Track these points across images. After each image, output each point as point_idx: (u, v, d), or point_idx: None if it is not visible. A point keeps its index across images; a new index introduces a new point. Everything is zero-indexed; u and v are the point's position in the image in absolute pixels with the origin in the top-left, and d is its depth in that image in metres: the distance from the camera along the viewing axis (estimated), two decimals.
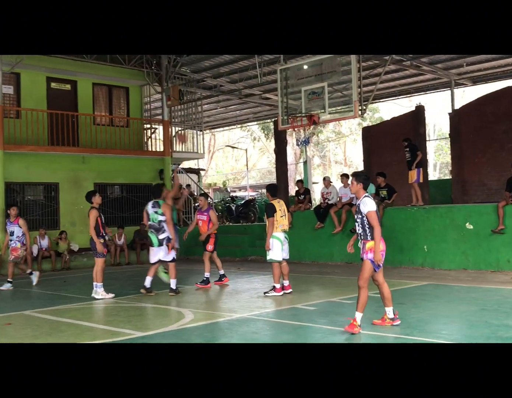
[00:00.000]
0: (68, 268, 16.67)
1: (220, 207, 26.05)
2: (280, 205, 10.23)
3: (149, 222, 10.48)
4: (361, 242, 6.84)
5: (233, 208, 25.25)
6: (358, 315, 6.51)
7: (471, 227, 12.61)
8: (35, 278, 12.60)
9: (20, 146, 17.07)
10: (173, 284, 10.47)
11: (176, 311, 8.81)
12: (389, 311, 6.88)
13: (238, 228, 21.26)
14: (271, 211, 10.00)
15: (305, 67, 14.64)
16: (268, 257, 10.13)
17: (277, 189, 11.09)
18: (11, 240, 12.20)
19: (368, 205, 6.64)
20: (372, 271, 6.68)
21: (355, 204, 14.56)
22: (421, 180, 14.26)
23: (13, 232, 12.12)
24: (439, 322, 7.54)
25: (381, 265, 6.76)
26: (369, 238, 6.65)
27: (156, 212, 10.34)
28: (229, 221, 24.59)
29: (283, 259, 10.14)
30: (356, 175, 7.01)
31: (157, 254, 10.48)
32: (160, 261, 10.60)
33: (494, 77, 21.55)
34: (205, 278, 11.33)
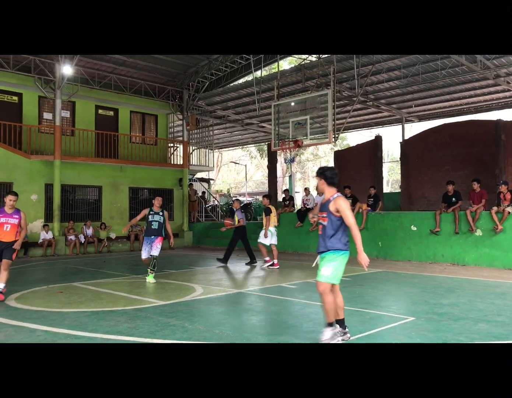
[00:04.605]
0: (109, 251, 16.61)
1: (224, 209, 26.00)
2: (273, 208, 11.67)
3: None
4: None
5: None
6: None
7: (415, 228, 12.63)
8: None
9: (73, 157, 16.97)
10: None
11: (190, 286, 8.78)
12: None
13: None
14: (269, 211, 11.39)
15: (293, 103, 14.65)
16: (259, 240, 11.43)
17: (271, 197, 12.45)
18: None
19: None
20: None
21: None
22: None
23: None
24: (389, 300, 7.55)
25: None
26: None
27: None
28: None
29: (272, 244, 11.36)
30: None
31: None
32: None
33: (435, 116, 21.66)
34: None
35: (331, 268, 4.67)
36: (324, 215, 4.70)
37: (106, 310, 6.58)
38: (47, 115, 17.43)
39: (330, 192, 4.74)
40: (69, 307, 6.77)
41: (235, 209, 12.59)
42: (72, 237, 15.93)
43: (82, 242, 16.12)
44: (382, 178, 18.39)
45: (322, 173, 4.79)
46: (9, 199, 7.29)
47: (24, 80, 16.34)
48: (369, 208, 13.82)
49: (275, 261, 11.30)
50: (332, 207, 4.61)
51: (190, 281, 9.32)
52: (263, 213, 11.67)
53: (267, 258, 11.37)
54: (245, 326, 5.67)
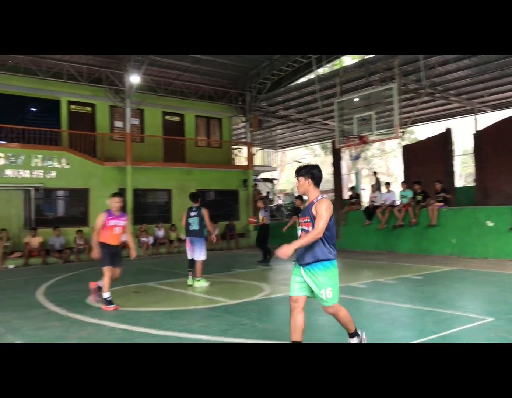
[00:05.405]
0: (179, 252, 17.16)
1: (289, 207, 26.07)
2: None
3: None
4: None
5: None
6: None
7: (492, 224, 11.99)
8: None
9: (143, 162, 17.70)
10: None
11: (257, 285, 8.88)
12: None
13: None
14: (299, 211, 11.04)
15: (356, 99, 14.41)
16: None
17: (302, 197, 12.22)
18: None
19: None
20: None
21: (396, 205, 14.30)
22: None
23: None
24: (465, 299, 7.24)
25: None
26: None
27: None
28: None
29: None
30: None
31: None
32: None
33: (511, 104, 20.40)
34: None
35: (330, 288, 4.10)
36: (307, 220, 4.08)
37: (179, 309, 6.83)
38: (118, 123, 18.32)
39: (315, 194, 4.09)
40: (145, 307, 7.09)
41: (259, 207, 13.49)
42: (145, 239, 16.63)
43: (152, 243, 16.78)
44: (453, 172, 17.55)
45: (309, 171, 4.08)
46: (115, 202, 7.12)
47: (96, 91, 17.28)
48: (442, 204, 13.28)
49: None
50: (314, 211, 4.00)
51: (257, 281, 9.44)
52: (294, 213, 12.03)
53: None
54: (314, 326, 5.66)
